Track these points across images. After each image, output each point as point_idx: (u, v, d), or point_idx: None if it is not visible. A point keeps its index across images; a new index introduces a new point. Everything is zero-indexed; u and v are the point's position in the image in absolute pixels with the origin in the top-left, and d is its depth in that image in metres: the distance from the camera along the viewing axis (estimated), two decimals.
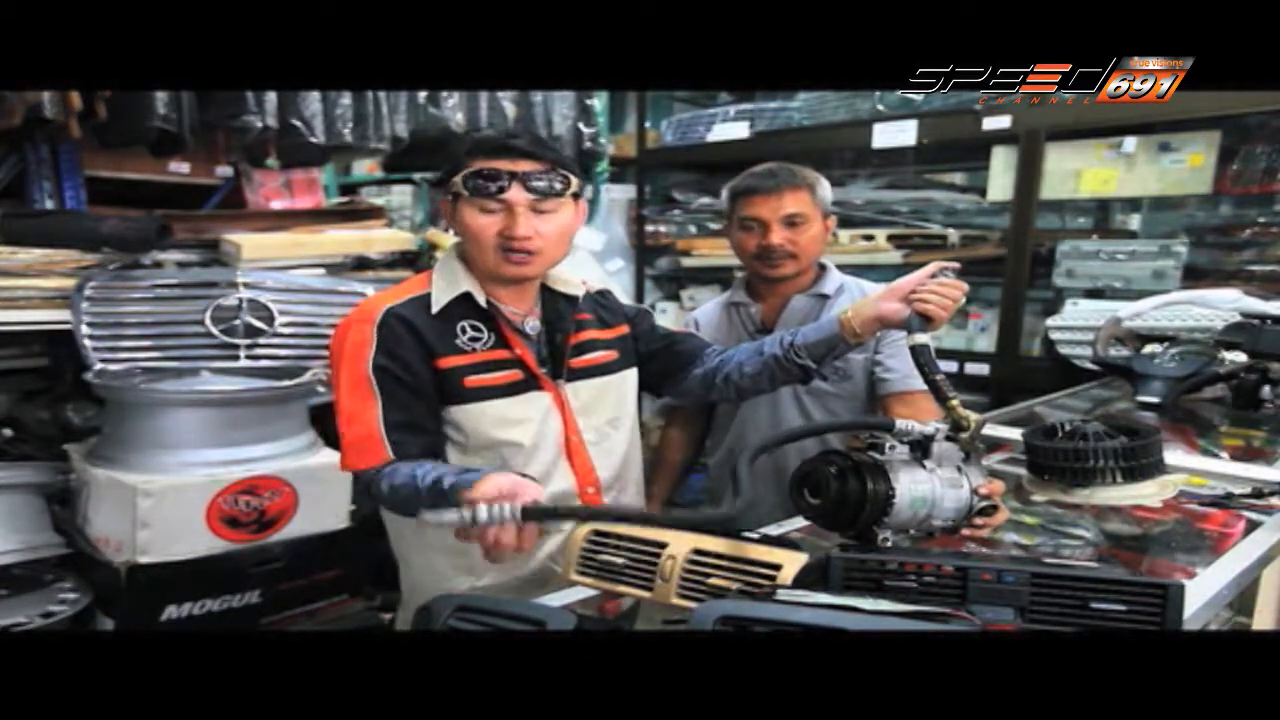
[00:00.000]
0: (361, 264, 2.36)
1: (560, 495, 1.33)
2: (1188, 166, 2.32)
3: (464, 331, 1.28)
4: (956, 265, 1.26)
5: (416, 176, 3.87)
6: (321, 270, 2.28)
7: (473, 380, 1.27)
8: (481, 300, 1.29)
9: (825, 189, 1.70)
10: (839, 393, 1.69)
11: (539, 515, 0.95)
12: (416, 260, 2.47)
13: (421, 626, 0.84)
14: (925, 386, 1.11)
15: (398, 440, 1.21)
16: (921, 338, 1.16)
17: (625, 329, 1.45)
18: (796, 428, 1.46)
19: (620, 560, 0.98)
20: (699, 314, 1.89)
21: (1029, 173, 2.47)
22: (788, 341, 1.37)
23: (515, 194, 1.21)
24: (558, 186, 1.24)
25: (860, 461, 0.98)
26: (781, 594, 0.79)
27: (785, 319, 1.72)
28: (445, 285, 1.29)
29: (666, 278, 3.62)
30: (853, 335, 1.31)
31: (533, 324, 1.34)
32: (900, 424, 1.02)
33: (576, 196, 1.29)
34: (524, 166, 1.21)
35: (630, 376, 1.45)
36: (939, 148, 2.76)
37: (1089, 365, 2.24)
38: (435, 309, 1.27)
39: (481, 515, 0.92)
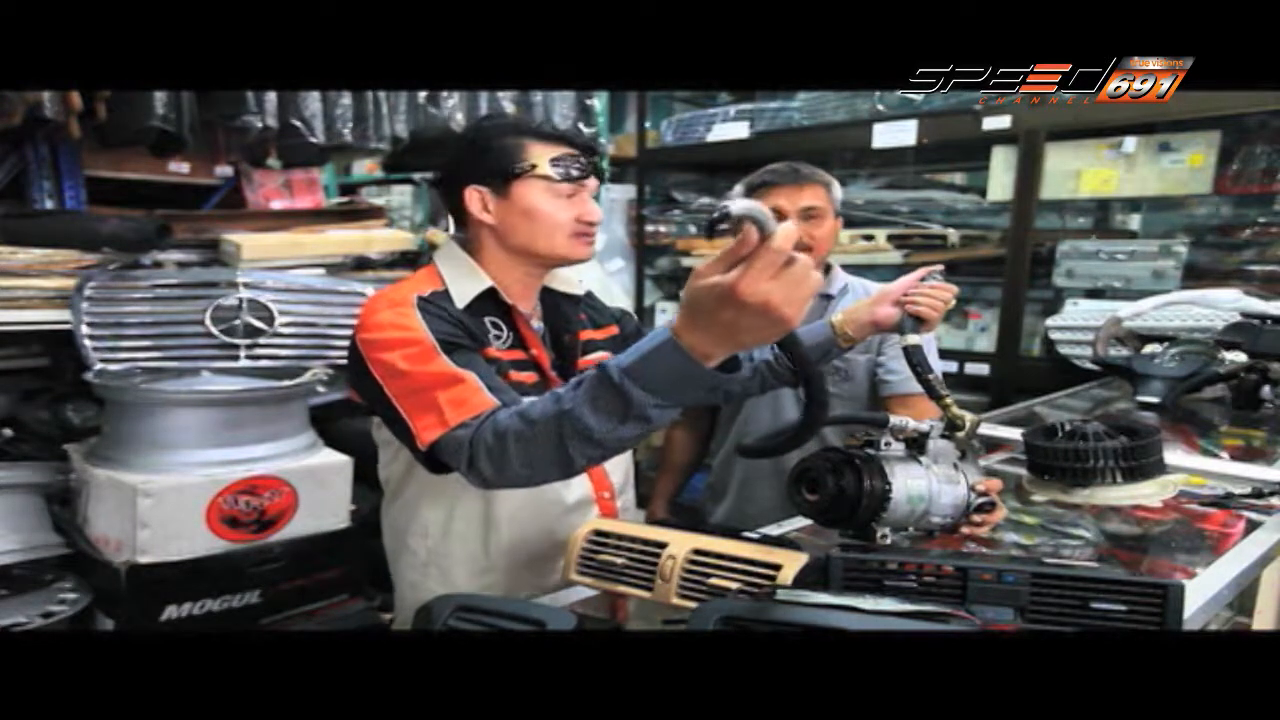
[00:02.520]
0: (361, 264, 2.36)
1: (578, 504, 1.32)
2: (1188, 166, 2.32)
3: (489, 329, 1.24)
4: (942, 267, 1.29)
5: (416, 176, 3.87)
6: (321, 270, 2.28)
7: (512, 376, 1.21)
8: (507, 297, 1.26)
9: (838, 190, 1.72)
10: (841, 393, 1.70)
11: None
12: (416, 260, 2.47)
13: (421, 626, 0.84)
14: None
15: (495, 386, 1.08)
16: (914, 339, 1.18)
17: (615, 329, 1.43)
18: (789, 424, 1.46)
19: (620, 560, 0.98)
20: None
21: (1029, 173, 2.47)
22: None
23: (591, 180, 1.25)
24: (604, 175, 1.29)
25: (856, 457, 0.98)
26: (781, 594, 0.79)
27: None
28: (465, 280, 1.24)
29: (666, 278, 3.62)
30: (845, 340, 1.32)
31: (537, 324, 1.32)
32: (895, 420, 1.03)
33: None
34: (582, 154, 1.25)
35: None
36: (939, 148, 2.76)
37: (1089, 365, 2.24)
38: (461, 304, 1.21)
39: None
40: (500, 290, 1.26)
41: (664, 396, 0.83)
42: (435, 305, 1.17)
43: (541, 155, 1.21)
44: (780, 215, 1.67)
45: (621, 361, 0.85)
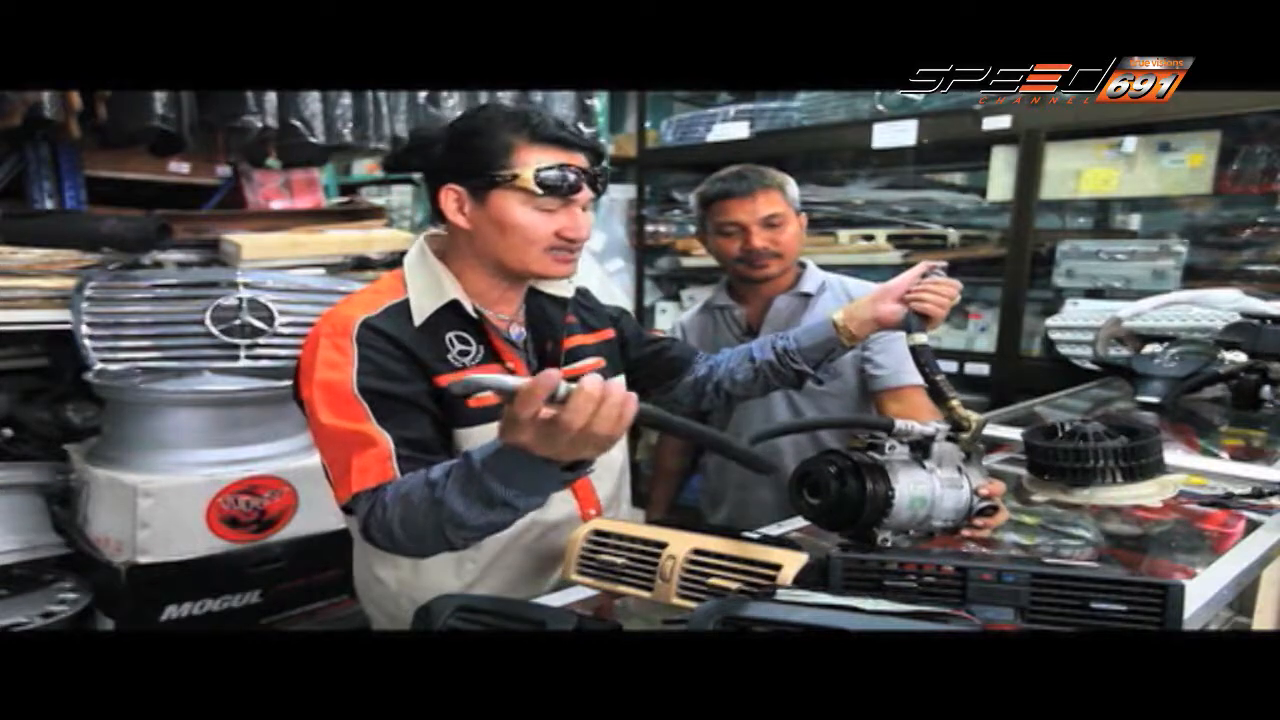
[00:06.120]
0: (361, 264, 2.36)
1: (562, 522, 1.22)
2: (1188, 166, 2.31)
3: (452, 345, 1.13)
4: (945, 264, 1.27)
5: (416, 176, 3.87)
6: (321, 270, 2.28)
7: (472, 402, 1.11)
8: (470, 308, 1.15)
9: (794, 187, 1.71)
10: (830, 390, 1.69)
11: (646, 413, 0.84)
12: None
13: (421, 626, 0.84)
14: (916, 381, 1.12)
15: (406, 456, 1.03)
16: (920, 337, 1.17)
17: (610, 333, 1.34)
18: (795, 422, 1.46)
19: (620, 560, 0.98)
20: (684, 320, 1.89)
21: (1029, 173, 2.47)
22: (781, 347, 1.36)
23: (583, 193, 1.12)
24: (606, 184, 1.16)
25: (859, 461, 0.98)
26: (781, 594, 0.79)
27: (770, 320, 1.73)
28: (426, 292, 1.14)
29: (666, 278, 3.62)
30: (849, 338, 1.30)
31: (518, 331, 1.22)
32: (900, 424, 1.02)
33: None
34: (584, 162, 1.12)
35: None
36: (939, 148, 2.76)
37: (1089, 365, 2.24)
38: (419, 320, 1.12)
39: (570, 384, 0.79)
40: (469, 302, 1.15)
41: (520, 489, 0.88)
42: (380, 332, 1.08)
43: (529, 162, 1.08)
44: (742, 228, 1.66)
45: (484, 452, 0.89)
